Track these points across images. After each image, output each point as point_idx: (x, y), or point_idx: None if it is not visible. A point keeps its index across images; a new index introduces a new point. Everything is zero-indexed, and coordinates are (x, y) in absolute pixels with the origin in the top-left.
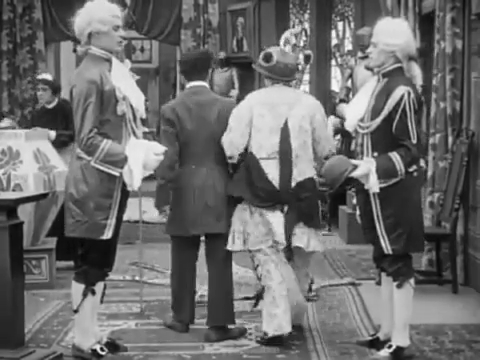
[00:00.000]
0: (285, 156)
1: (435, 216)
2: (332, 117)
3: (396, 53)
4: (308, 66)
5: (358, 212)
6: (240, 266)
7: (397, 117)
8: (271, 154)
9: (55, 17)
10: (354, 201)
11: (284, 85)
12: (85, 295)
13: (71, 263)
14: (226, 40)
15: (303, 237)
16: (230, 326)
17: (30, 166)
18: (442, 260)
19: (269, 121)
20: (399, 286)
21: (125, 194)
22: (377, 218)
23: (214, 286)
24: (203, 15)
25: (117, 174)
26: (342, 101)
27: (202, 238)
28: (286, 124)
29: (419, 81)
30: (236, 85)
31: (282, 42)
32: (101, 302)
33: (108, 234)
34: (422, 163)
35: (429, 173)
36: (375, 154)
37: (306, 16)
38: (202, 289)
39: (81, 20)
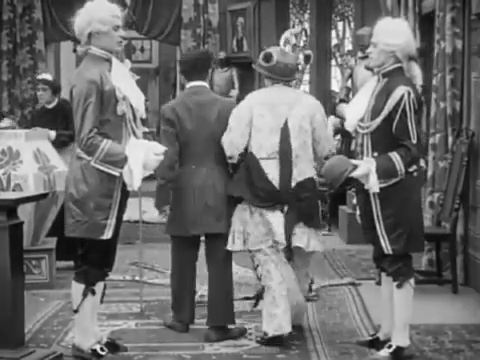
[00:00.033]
0: (285, 156)
1: (435, 216)
2: (332, 117)
3: (396, 53)
4: (308, 66)
5: (358, 212)
6: (240, 266)
7: (397, 117)
8: (271, 154)
9: (55, 17)
10: (354, 201)
11: (284, 85)
12: (85, 295)
13: (71, 263)
14: (226, 40)
15: (303, 237)
16: (230, 326)
17: (30, 166)
18: (442, 260)
19: (269, 121)
20: (399, 286)
21: (125, 194)
22: (377, 218)
23: (214, 286)
24: (203, 15)
25: (117, 174)
26: (342, 101)
27: (202, 238)
28: (286, 124)
29: (419, 81)
30: (236, 85)
31: (282, 42)
32: (101, 302)
33: (108, 234)
34: (422, 163)
35: (429, 173)
36: (375, 154)
37: (306, 16)
38: (202, 289)
39: (81, 20)
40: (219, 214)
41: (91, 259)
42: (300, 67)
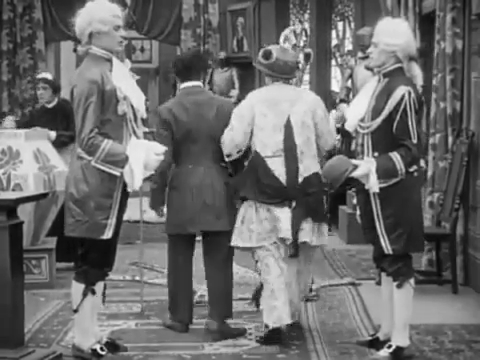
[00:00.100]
0: (290, 153)
1: (435, 216)
2: (334, 111)
3: (397, 53)
4: (308, 66)
5: (358, 212)
6: (240, 266)
7: (398, 117)
8: (276, 152)
9: (55, 17)
10: (354, 201)
11: (284, 83)
12: (85, 295)
13: (71, 264)
14: (226, 40)
15: (310, 232)
16: (230, 325)
17: (30, 166)
18: (442, 260)
19: (272, 119)
20: (399, 286)
21: (125, 194)
22: (377, 218)
23: (214, 284)
24: (203, 15)
25: (118, 174)
26: (342, 101)
27: (198, 238)
28: (289, 121)
29: (419, 81)
30: (236, 85)
31: (282, 39)
32: (103, 302)
33: (108, 234)
34: (422, 163)
35: (429, 173)
36: (375, 154)
37: (306, 16)
38: (202, 289)
39: (82, 20)
40: (218, 212)
41: (91, 259)
42: (300, 66)
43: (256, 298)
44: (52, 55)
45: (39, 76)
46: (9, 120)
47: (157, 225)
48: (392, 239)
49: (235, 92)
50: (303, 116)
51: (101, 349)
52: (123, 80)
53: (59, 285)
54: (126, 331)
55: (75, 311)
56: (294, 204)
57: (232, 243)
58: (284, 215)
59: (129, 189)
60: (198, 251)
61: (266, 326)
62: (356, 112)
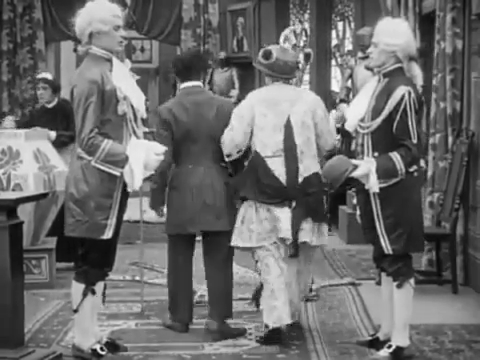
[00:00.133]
0: (290, 153)
1: (435, 216)
2: (334, 111)
3: (397, 53)
4: (308, 66)
5: (358, 212)
6: (240, 266)
7: (398, 117)
8: (276, 152)
9: (55, 17)
10: (354, 201)
11: (284, 83)
12: (85, 295)
13: (71, 264)
14: (226, 40)
15: (310, 232)
16: (230, 325)
17: (30, 166)
18: (442, 260)
19: (272, 119)
20: (399, 286)
21: (125, 194)
22: (377, 218)
23: (215, 283)
24: (203, 15)
25: (118, 174)
26: (342, 101)
27: (198, 238)
28: (289, 121)
29: (419, 81)
30: (236, 85)
31: (282, 39)
32: (103, 302)
33: (108, 234)
34: (422, 163)
35: (429, 173)
36: (375, 154)
37: (306, 16)
38: (202, 289)
39: (82, 20)
40: (218, 212)
41: (91, 259)
42: (300, 66)
43: (256, 298)
44: (52, 55)
45: (39, 76)
46: (9, 120)
47: (157, 225)
48: (392, 239)
49: (235, 92)
50: (303, 116)
51: (101, 349)
52: (123, 80)
53: (59, 285)
54: (126, 331)
55: (75, 311)
56: (294, 204)
57: (232, 243)
58: (284, 215)
59: (129, 189)
60: (198, 251)
61: (266, 326)
62: (356, 112)
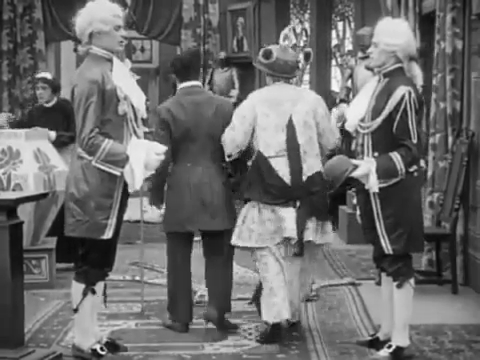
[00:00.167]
0: (293, 152)
1: (435, 216)
2: (334, 109)
3: (397, 53)
4: (308, 66)
5: (358, 212)
6: (240, 266)
7: (398, 117)
8: (279, 152)
9: (55, 17)
10: (354, 201)
11: (285, 82)
12: (85, 294)
13: (71, 264)
14: (226, 40)
15: (315, 231)
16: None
17: (30, 166)
18: (442, 260)
19: (274, 119)
20: (399, 286)
21: (126, 194)
22: (377, 218)
23: (214, 283)
24: (203, 15)
25: (118, 174)
26: (342, 101)
27: (197, 238)
28: (291, 121)
29: (420, 81)
30: (236, 85)
31: (281, 38)
32: (104, 303)
33: (109, 234)
34: (422, 163)
35: (429, 173)
36: (376, 154)
37: (306, 16)
38: (201, 289)
39: (82, 20)
40: (216, 212)
41: (91, 259)
42: (300, 66)
43: (256, 298)
44: (52, 55)
45: (38, 76)
46: (2, 117)
47: (157, 225)
48: (392, 239)
49: (235, 92)
50: (305, 116)
51: (101, 349)
52: (123, 80)
53: (59, 285)
54: (126, 331)
55: (75, 311)
56: (299, 204)
57: (232, 242)
58: (289, 215)
59: (130, 189)
60: (198, 251)
61: (266, 323)
62: (356, 112)
